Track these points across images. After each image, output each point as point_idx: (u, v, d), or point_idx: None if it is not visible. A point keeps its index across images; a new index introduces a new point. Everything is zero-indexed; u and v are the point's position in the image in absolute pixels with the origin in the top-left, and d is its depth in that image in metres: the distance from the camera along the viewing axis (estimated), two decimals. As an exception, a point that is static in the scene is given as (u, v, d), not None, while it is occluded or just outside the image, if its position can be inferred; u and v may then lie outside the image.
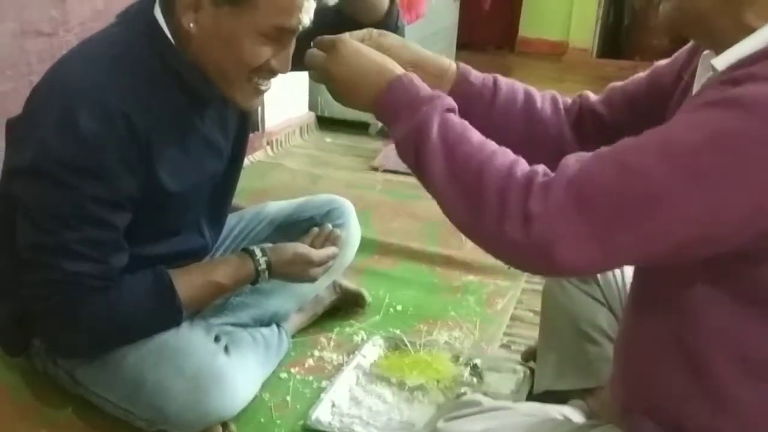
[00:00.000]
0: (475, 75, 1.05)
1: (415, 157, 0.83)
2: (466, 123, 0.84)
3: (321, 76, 0.94)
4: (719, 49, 0.78)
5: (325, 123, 3.06)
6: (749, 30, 0.76)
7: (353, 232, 1.59)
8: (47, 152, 1.03)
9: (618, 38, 4.73)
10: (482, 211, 0.76)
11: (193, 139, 1.18)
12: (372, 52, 0.93)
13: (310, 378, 1.47)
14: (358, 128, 3.02)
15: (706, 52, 0.84)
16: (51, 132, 1.03)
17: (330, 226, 1.41)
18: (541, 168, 0.76)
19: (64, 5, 1.78)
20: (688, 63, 0.92)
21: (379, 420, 1.33)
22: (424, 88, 0.87)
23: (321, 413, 1.32)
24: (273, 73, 1.11)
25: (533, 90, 1.08)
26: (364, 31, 1.01)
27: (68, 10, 1.79)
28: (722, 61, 0.77)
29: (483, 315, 1.73)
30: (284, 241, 1.39)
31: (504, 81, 1.06)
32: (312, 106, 3.05)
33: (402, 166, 2.72)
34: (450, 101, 0.86)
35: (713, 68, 0.78)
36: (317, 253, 1.30)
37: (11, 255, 1.12)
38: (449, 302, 1.78)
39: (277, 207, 1.60)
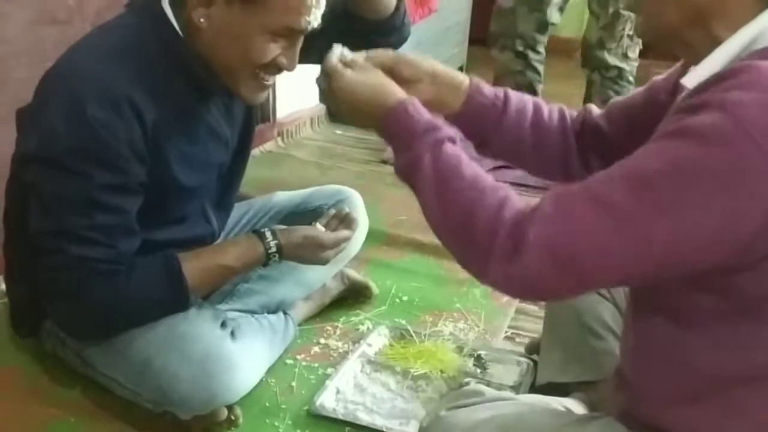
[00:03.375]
0: (488, 88, 1.08)
1: (412, 188, 0.88)
2: (461, 155, 0.86)
3: (327, 104, 1.00)
4: (696, 62, 0.80)
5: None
6: (719, 42, 0.77)
7: (361, 223, 1.59)
8: (56, 140, 1.05)
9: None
10: (471, 248, 0.81)
11: (199, 129, 1.20)
12: (369, 79, 0.95)
13: (316, 365, 1.49)
14: (369, 121, 3.04)
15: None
16: (59, 120, 1.05)
17: (346, 208, 1.42)
18: (527, 209, 0.79)
19: (80, -6, 1.80)
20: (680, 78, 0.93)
21: (383, 407, 1.35)
22: (420, 118, 0.88)
23: (326, 399, 1.34)
24: (279, 69, 1.13)
25: (541, 102, 1.11)
26: (382, 52, 1.03)
27: (84, -1, 1.81)
28: (691, 79, 0.79)
29: (488, 307, 1.74)
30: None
31: (514, 93, 1.09)
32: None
33: None
34: (447, 131, 0.87)
35: (683, 87, 0.80)
36: (328, 236, 1.31)
37: (25, 239, 1.14)
38: (455, 294, 1.79)
39: (285, 197, 1.62)
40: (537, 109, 1.09)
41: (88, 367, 1.27)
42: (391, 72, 1.00)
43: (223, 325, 1.31)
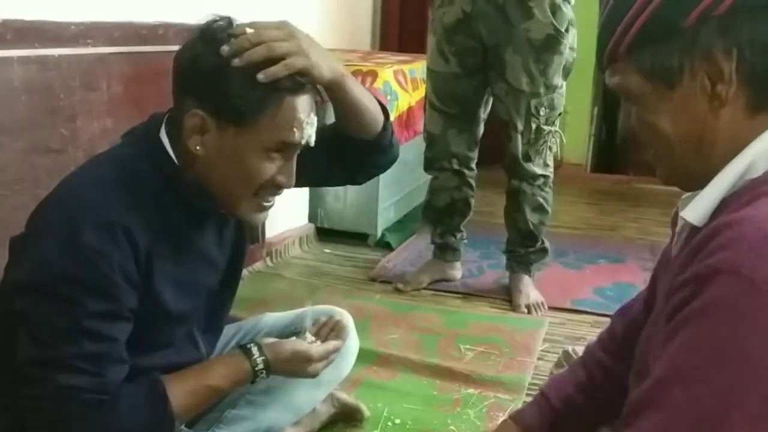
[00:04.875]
0: (528, 412, 1.13)
1: None
2: None
3: None
4: (688, 187, 0.84)
5: (325, 234, 3.10)
6: (713, 169, 0.80)
7: (351, 344, 1.57)
8: (48, 268, 1.05)
9: (611, 154, 4.88)
10: None
11: (192, 255, 1.20)
12: None
13: (306, 496, 1.42)
14: (357, 239, 3.07)
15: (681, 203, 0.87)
16: (53, 248, 1.05)
17: (336, 316, 1.40)
18: None
19: (74, 124, 1.85)
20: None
21: None
22: None
23: None
24: (278, 188, 1.15)
25: (575, 368, 1.14)
26: None
27: (78, 128, 1.86)
28: (690, 214, 0.81)
29: (483, 429, 1.69)
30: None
31: (551, 390, 1.13)
32: (311, 217, 3.11)
33: (398, 277, 2.68)
34: None
35: (685, 220, 0.82)
36: (317, 349, 1.28)
37: (8, 370, 1.11)
38: (449, 416, 1.74)
39: (274, 318, 1.60)
40: (582, 389, 1.11)
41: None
42: None
43: (210, 455, 1.26)
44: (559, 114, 2.40)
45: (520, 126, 2.36)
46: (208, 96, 1.07)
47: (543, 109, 2.34)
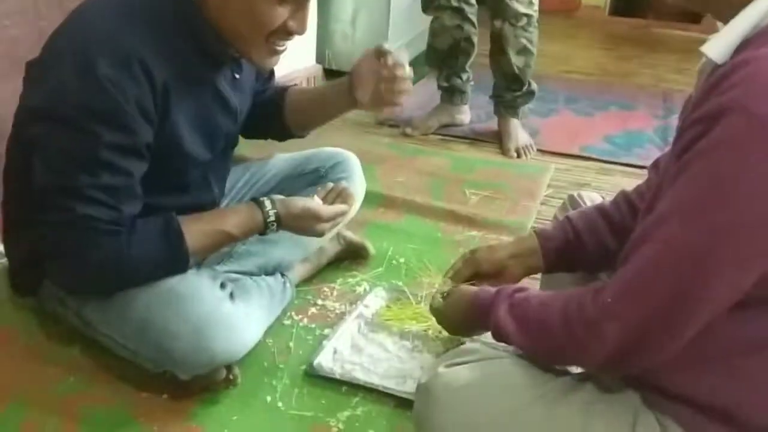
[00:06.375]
0: (551, 230, 1.18)
1: (508, 342, 0.98)
2: (528, 295, 0.97)
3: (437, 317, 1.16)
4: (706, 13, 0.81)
5: (333, 75, 3.04)
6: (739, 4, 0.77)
7: (358, 185, 1.60)
8: (65, 96, 1.05)
9: (631, -2, 4.67)
10: (569, 351, 0.88)
11: (208, 96, 1.20)
12: (460, 306, 1.08)
13: (313, 326, 1.50)
14: (366, 82, 3.01)
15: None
16: (69, 76, 1.05)
17: (344, 183, 1.43)
18: (590, 292, 0.85)
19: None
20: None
21: (380, 367, 1.36)
22: (486, 294, 1.01)
23: (323, 359, 1.36)
24: (290, 34, 1.13)
25: (604, 204, 1.17)
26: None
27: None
28: (711, 49, 0.78)
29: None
30: (289, 193, 1.39)
31: (574, 215, 1.16)
32: (319, 58, 3.03)
33: (406, 122, 2.67)
34: (509, 289, 0.99)
35: (705, 55, 0.79)
36: (326, 209, 1.31)
37: (26, 196, 1.14)
38: (452, 256, 1.77)
39: (283, 159, 1.62)
40: (606, 216, 1.14)
41: (87, 326, 1.28)
42: (478, 274, 1.15)
43: (222, 286, 1.32)
44: None
45: None
46: None
47: None
